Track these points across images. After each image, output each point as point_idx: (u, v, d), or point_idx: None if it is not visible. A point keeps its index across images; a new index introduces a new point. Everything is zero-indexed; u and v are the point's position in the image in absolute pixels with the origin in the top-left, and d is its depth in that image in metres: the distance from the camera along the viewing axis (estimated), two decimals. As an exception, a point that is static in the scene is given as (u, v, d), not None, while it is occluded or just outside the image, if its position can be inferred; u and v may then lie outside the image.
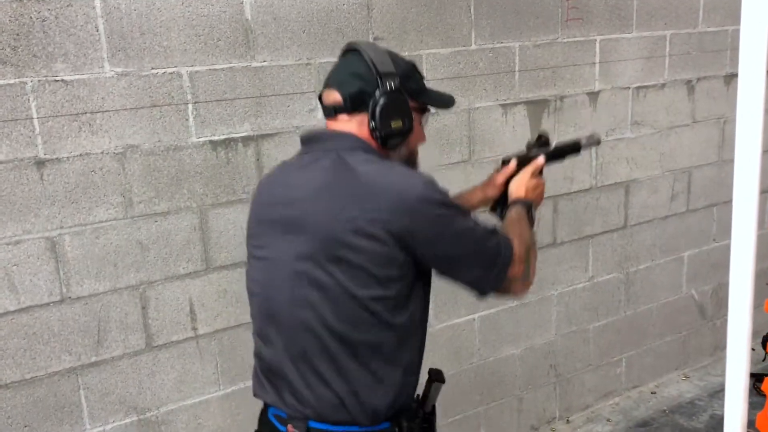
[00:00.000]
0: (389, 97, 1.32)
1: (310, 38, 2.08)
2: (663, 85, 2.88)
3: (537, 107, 2.56)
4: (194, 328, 2.04)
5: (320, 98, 1.41)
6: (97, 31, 1.79)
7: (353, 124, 1.35)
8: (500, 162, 1.74)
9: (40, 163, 1.78)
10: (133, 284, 1.94)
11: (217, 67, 1.96)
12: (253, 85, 2.01)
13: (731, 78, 3.07)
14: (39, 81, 1.74)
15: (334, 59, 2.13)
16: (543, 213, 2.65)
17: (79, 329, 1.89)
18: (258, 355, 1.46)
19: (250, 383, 2.15)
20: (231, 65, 1.97)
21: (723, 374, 3.25)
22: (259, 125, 2.04)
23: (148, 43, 1.86)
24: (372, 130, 1.33)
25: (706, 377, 3.21)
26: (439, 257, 1.29)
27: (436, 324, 2.46)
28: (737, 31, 3.06)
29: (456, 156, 2.40)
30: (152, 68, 1.87)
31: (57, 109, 1.78)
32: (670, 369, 3.24)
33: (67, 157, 1.81)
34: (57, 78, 1.76)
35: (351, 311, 1.26)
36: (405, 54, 2.23)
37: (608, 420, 2.91)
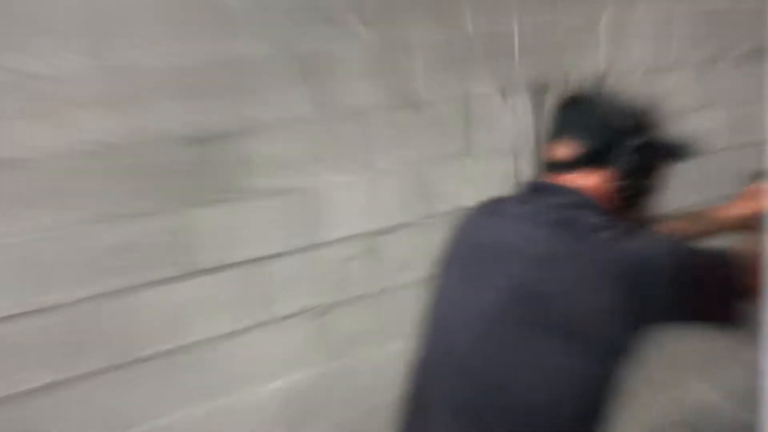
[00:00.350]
0: (636, 154, 1.23)
1: (294, 24, 1.94)
2: (672, 66, 2.73)
3: (539, 91, 2.42)
4: (179, 337, 1.92)
5: (542, 150, 1.29)
6: (68, 20, 1.66)
7: (584, 180, 1.24)
8: (748, 176, 1.55)
9: (8, 164, 1.65)
10: (111, 291, 1.82)
11: (195, 56, 1.82)
12: (234, 75, 1.88)
13: (746, 57, 2.92)
14: (4, 75, 1.62)
15: (319, 45, 2.01)
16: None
17: (55, 341, 1.77)
18: (413, 389, 1.34)
19: (238, 396, 2.05)
20: (210, 54, 1.84)
21: (746, 377, 3.07)
22: (241, 118, 1.91)
23: (122, 32, 1.72)
24: (617, 189, 1.24)
25: (730, 381, 3.07)
26: (685, 314, 1.21)
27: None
28: (753, 9, 2.90)
29: (453, 147, 2.26)
30: (127, 59, 1.74)
31: (25, 106, 1.65)
32: (692, 373, 3.10)
33: (38, 158, 1.69)
34: (25, 71, 1.64)
35: (539, 378, 1.15)
36: (395, 37, 2.10)
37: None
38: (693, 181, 2.72)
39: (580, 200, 1.20)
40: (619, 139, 1.21)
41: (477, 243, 1.29)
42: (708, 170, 2.96)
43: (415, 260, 2.24)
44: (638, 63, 2.64)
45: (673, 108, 2.77)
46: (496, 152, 2.36)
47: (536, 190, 1.27)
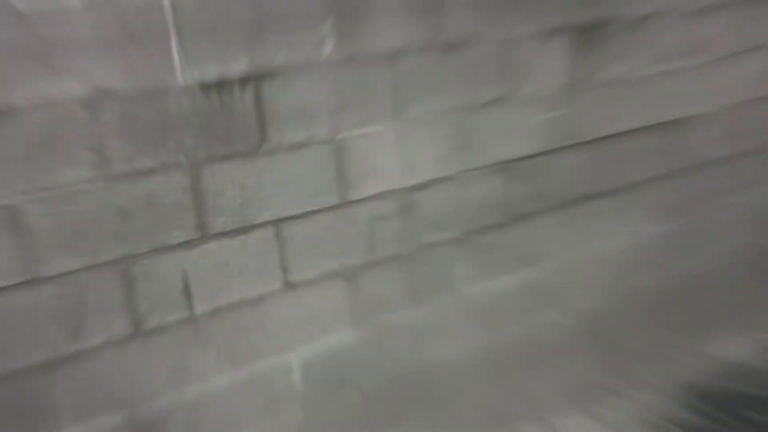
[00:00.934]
0: None
1: (316, -47, 1.70)
2: (719, 6, 2.50)
3: (578, 34, 2.19)
4: (190, 308, 1.72)
5: None
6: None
7: None
8: None
9: (-12, 115, 1.43)
10: (113, 258, 1.61)
11: (203, -11, 1.59)
12: (250, 12, 1.64)
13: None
14: (-21, 10, 1.38)
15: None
16: (581, 160, 2.30)
17: (53, 315, 1.57)
18: None
19: (257, 368, 1.86)
20: (221, -13, 1.61)
21: None
22: (257, 62, 1.68)
23: (117, -41, 1.48)
24: None
25: (760, 336, 2.92)
26: None
27: (468, 287, 2.15)
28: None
29: (491, 93, 2.04)
30: (123, -8, 1.51)
31: (10, 49, 1.42)
32: (724, 327, 2.95)
33: (26, 107, 1.46)
34: (9, 10, 1.40)
35: None
36: (430, -29, 1.85)
37: (657, 387, 2.64)
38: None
39: None
40: None
41: None
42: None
43: (450, 219, 2.04)
44: (680, 2, 2.41)
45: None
46: (537, 99, 2.14)
47: None
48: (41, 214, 1.52)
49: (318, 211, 1.83)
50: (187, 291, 1.71)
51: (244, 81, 1.67)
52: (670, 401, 2.54)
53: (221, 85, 1.65)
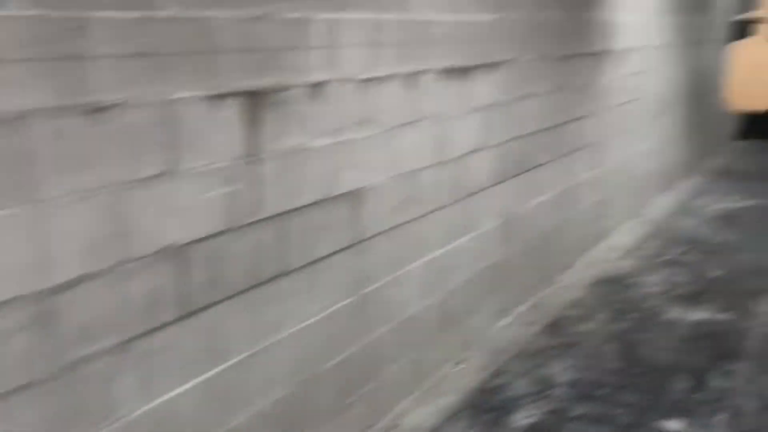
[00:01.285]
0: None
1: None
2: (388, 78, 2.51)
3: (253, 100, 1.97)
4: None
5: None
6: None
7: None
8: None
9: None
10: None
11: None
12: None
13: (451, 72, 2.85)
14: None
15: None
16: (265, 237, 2.07)
17: None
18: None
19: None
20: None
21: (455, 392, 2.96)
22: None
23: None
24: None
25: (440, 399, 2.95)
26: None
27: (135, 408, 1.73)
28: (457, 22, 2.86)
29: (152, 167, 1.70)
30: None
31: None
32: (407, 394, 2.93)
33: None
34: None
35: None
36: (68, 14, 1.48)
37: (352, 472, 2.47)
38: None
39: None
40: None
41: None
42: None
43: (107, 323, 1.62)
44: (357, 71, 2.36)
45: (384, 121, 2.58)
46: (209, 172, 1.85)
47: None
48: None
49: None
50: None
51: None
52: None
53: None
